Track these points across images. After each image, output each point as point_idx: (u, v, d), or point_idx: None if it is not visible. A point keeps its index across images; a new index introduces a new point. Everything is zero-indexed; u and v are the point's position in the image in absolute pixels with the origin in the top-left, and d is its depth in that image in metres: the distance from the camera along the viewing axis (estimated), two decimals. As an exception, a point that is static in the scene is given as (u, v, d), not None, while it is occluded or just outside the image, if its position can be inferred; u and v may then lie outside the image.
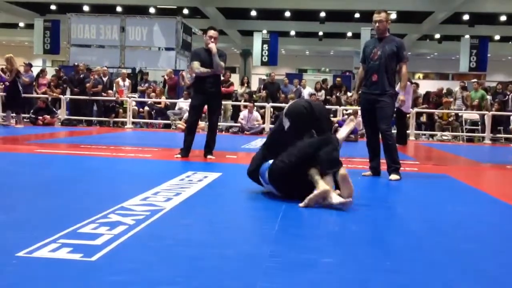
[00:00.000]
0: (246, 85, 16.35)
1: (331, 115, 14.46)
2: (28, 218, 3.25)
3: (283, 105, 15.24)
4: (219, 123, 13.76)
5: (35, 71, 17.45)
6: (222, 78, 15.40)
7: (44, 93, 15.12)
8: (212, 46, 6.95)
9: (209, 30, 7.13)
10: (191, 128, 7.21)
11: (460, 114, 15.14)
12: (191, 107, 7.33)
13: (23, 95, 12.83)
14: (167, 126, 14.87)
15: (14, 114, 12.65)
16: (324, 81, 17.90)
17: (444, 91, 16.66)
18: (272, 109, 14.85)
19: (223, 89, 15.11)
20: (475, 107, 15.10)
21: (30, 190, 4.26)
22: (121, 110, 15.17)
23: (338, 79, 17.92)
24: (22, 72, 12.63)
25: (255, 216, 3.66)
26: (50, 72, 18.66)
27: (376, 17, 5.83)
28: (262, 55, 21.88)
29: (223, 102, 15.10)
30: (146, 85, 16.15)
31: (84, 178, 5.11)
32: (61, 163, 6.35)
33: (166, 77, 16.10)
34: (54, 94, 15.10)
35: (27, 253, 2.47)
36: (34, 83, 15.19)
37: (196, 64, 6.99)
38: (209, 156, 7.11)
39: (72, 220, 3.11)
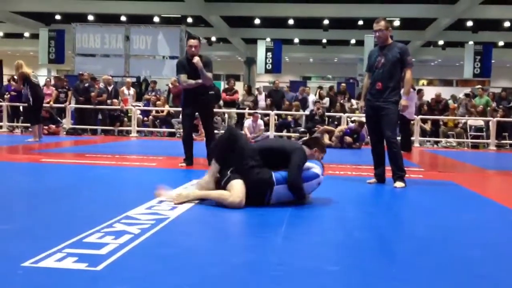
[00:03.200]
0: (247, 93, 16.38)
1: (335, 123, 14.49)
2: (33, 228, 3.26)
3: (287, 112, 15.31)
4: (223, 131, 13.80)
5: (41, 80, 17.53)
6: (226, 86, 15.61)
7: (55, 99, 15.21)
8: (198, 63, 6.84)
9: (189, 40, 7.09)
10: (187, 136, 7.23)
11: (464, 120, 15.11)
12: (183, 117, 7.36)
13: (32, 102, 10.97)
14: (172, 134, 14.90)
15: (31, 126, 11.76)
16: (331, 88, 17.93)
17: (448, 97, 16.64)
18: (276, 117, 14.87)
19: (227, 97, 15.24)
20: (479, 113, 15.06)
21: (35, 200, 4.27)
22: (126, 119, 15.22)
23: (343, 84, 17.90)
24: (30, 76, 10.75)
25: (261, 223, 3.66)
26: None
27: (375, 26, 5.85)
28: (266, 63, 21.92)
29: (228, 110, 15.25)
30: (153, 93, 16.21)
31: (89, 187, 5.12)
32: (66, 173, 6.36)
33: (170, 85, 16.15)
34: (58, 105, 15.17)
35: (33, 262, 2.47)
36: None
37: (183, 77, 6.97)
38: (213, 164, 7.11)
39: (77, 229, 3.11)
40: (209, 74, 6.99)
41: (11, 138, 12.35)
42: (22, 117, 15.65)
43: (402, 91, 5.99)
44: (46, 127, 13.42)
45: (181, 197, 4.14)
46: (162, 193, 4.24)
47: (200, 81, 6.94)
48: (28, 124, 12.41)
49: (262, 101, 16.15)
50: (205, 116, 7.31)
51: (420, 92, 15.05)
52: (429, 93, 21.30)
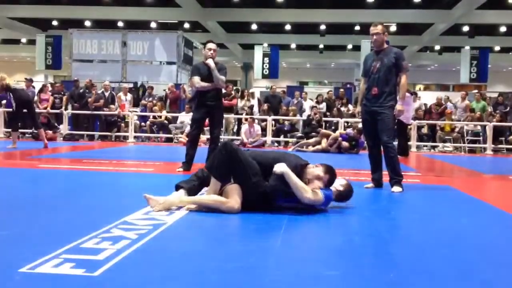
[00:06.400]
0: (246, 97, 16.35)
1: (333, 128, 14.49)
2: (30, 234, 3.25)
3: (285, 117, 15.31)
4: (221, 137, 13.81)
5: (37, 86, 17.52)
6: (224, 91, 15.62)
7: (52, 105, 15.20)
8: (210, 62, 7.00)
9: (208, 43, 7.25)
10: (193, 141, 7.25)
11: (460, 125, 15.13)
12: (192, 121, 7.38)
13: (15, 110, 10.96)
14: (169, 140, 14.89)
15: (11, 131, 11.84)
16: (329, 92, 17.94)
17: (443, 101, 16.68)
18: (273, 122, 14.89)
19: (225, 102, 15.23)
20: (476, 118, 15.06)
21: (32, 206, 4.25)
22: (123, 125, 15.21)
23: (342, 90, 17.93)
24: (10, 84, 10.74)
25: (258, 229, 3.66)
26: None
27: (373, 30, 5.86)
28: (263, 68, 21.93)
29: (225, 116, 15.22)
30: (150, 99, 16.18)
31: (86, 193, 5.11)
32: (63, 178, 6.35)
33: (167, 91, 16.15)
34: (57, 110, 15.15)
35: (30, 268, 2.46)
36: (35, 99, 15.21)
37: (196, 78, 7.05)
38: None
39: (75, 235, 3.10)
40: (222, 77, 7.07)
41: (7, 144, 12.30)
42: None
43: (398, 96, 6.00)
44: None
45: (165, 205, 4.01)
46: (150, 198, 4.07)
47: (212, 84, 7.00)
48: (30, 130, 12.41)
49: (256, 106, 16.17)
50: (215, 121, 7.34)
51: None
52: (426, 98, 21.37)
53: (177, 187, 4.30)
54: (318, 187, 4.17)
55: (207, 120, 7.46)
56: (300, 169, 4.22)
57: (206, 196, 4.14)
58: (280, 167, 4.05)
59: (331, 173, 4.28)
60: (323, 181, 4.23)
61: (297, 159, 4.35)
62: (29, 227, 3.44)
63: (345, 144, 12.05)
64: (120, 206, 4.27)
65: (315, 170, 4.24)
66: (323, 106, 16.25)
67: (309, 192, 4.07)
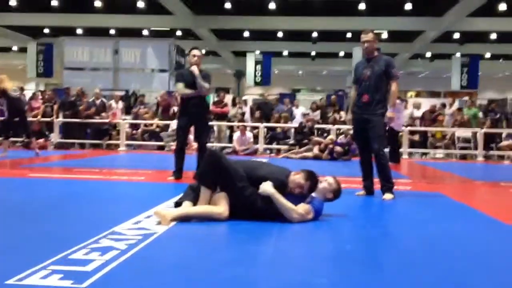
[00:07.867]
0: (237, 105, 16.35)
1: (325, 134, 14.50)
2: (18, 245, 3.22)
3: (276, 125, 15.32)
4: (213, 144, 13.81)
5: (28, 94, 17.45)
6: (216, 99, 15.62)
7: (44, 113, 15.12)
8: (194, 69, 7.01)
9: (192, 50, 7.26)
10: (180, 149, 7.23)
11: (452, 132, 15.19)
12: (177, 128, 7.40)
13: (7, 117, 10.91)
14: (161, 147, 14.85)
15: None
16: (321, 99, 17.97)
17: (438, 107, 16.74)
18: (265, 129, 14.89)
19: (217, 109, 15.23)
20: (465, 124, 15.06)
21: (20, 216, 4.22)
22: (114, 133, 15.15)
23: (333, 96, 17.97)
24: (8, 90, 10.65)
25: (250, 237, 3.64)
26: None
27: (363, 37, 5.88)
28: (255, 76, 21.93)
29: (218, 123, 15.23)
30: (142, 107, 16.12)
31: (76, 202, 5.07)
32: (54, 187, 6.31)
33: (159, 98, 16.12)
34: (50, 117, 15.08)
35: (17, 280, 2.44)
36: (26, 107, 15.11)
37: (180, 85, 7.08)
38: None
39: (63, 246, 3.08)
40: (206, 85, 7.06)
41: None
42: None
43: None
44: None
45: (160, 216, 3.94)
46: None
47: (196, 91, 7.00)
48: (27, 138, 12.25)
49: (247, 113, 16.17)
50: (199, 129, 7.31)
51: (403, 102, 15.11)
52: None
53: (180, 204, 4.20)
54: (309, 208, 4.14)
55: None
56: (286, 182, 4.21)
57: (193, 207, 4.11)
58: (266, 189, 4.05)
59: (311, 180, 4.26)
60: (304, 189, 4.22)
61: (281, 172, 4.34)
62: (17, 238, 3.41)
63: (338, 148, 12.06)
64: (110, 215, 4.25)
65: (296, 177, 4.23)
66: (317, 113, 16.20)
67: (297, 211, 4.07)
